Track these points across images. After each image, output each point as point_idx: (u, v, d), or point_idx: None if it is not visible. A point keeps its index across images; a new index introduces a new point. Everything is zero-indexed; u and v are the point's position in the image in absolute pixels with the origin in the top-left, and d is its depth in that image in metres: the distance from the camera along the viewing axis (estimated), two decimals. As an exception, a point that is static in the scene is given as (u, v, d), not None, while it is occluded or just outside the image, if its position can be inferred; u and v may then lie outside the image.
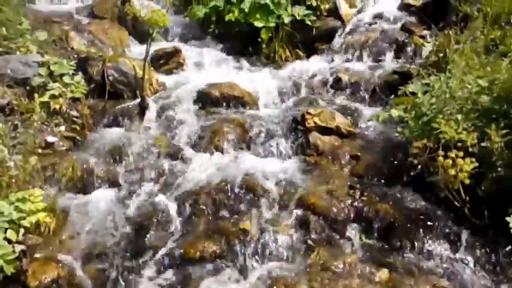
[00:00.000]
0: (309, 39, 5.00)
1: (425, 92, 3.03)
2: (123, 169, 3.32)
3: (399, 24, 4.80)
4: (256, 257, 2.63)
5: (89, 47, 4.38)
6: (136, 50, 4.71)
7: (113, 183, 3.20)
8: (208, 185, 3.04)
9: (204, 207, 2.91)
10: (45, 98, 3.63)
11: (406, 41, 4.53)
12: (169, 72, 4.52)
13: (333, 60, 4.80)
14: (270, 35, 4.84)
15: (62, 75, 3.83)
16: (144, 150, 3.43)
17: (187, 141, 3.56)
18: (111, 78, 4.01)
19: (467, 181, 2.32)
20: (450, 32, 3.74)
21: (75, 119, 3.72)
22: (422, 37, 4.37)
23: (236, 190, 3.00)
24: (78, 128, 3.70)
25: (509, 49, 3.23)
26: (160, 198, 3.00)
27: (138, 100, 3.87)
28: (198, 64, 4.71)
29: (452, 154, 2.33)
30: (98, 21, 5.01)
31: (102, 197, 3.06)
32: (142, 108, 3.81)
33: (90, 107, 3.87)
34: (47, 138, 3.46)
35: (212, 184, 3.05)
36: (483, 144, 2.56)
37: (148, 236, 2.78)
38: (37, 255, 2.60)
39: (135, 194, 3.11)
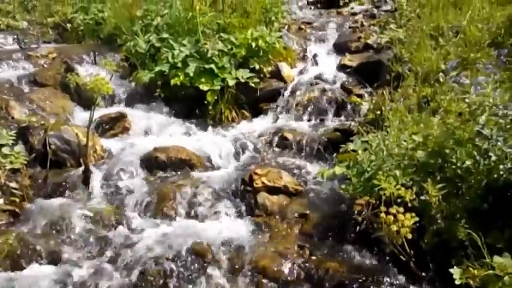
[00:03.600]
0: (254, 100, 5.14)
1: (365, 149, 3.15)
2: (64, 242, 3.18)
3: (338, 84, 5.04)
4: (207, 326, 2.55)
5: (30, 116, 4.28)
6: (81, 117, 4.66)
7: (53, 258, 3.05)
8: (155, 255, 2.95)
9: (152, 278, 2.81)
10: (-18, 171, 3.50)
11: (346, 100, 4.74)
12: (115, 137, 4.48)
13: (278, 119, 4.94)
14: (216, 97, 4.93)
15: (0, 146, 3.71)
16: (88, 220, 3.32)
17: (133, 209, 3.49)
18: (53, 146, 3.92)
19: (409, 236, 2.38)
20: (384, 92, 3.96)
21: (14, 190, 3.58)
22: (360, 96, 4.60)
23: (185, 258, 2.93)
24: (17, 200, 3.54)
25: (440, 105, 3.45)
26: (105, 271, 2.88)
27: (82, 168, 3.79)
28: (145, 128, 4.70)
29: (394, 210, 2.40)
30: (40, 89, 4.93)
31: (40, 273, 2.89)
32: (87, 177, 3.73)
33: (31, 178, 3.74)
34: (-17, 214, 3.30)
35: (160, 253, 2.96)
36: (422, 197, 2.67)
37: (92, 313, 2.65)
38: None
39: (77, 268, 2.96)
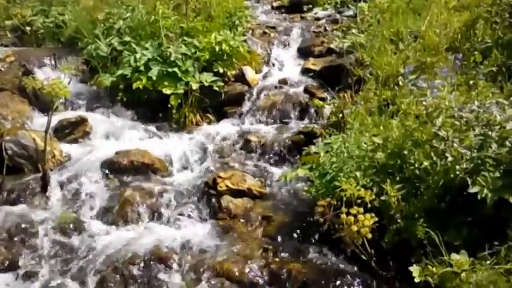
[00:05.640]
0: (219, 104, 5.12)
1: (326, 152, 3.18)
2: (22, 250, 3.08)
3: (302, 88, 5.08)
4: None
5: (-15, 121, 4.14)
6: (39, 122, 4.50)
7: (10, 266, 2.95)
8: (116, 260, 2.90)
9: (112, 284, 2.76)
10: None
11: (309, 103, 4.78)
12: (75, 142, 4.35)
13: (242, 123, 4.93)
14: (180, 101, 4.88)
15: (-47, 151, 3.57)
16: (46, 227, 3.22)
17: (94, 215, 3.42)
18: (9, 152, 3.79)
19: (369, 235, 2.41)
20: (346, 95, 4.02)
21: (-32, 197, 3.45)
22: (323, 99, 4.65)
23: (146, 263, 2.89)
24: (-29, 208, 3.42)
25: (399, 108, 3.52)
26: (64, 277, 2.81)
27: (40, 174, 3.68)
28: (106, 133, 4.59)
29: (354, 211, 2.44)
30: (-3, 93, 4.78)
31: (-2, 281, 2.80)
32: (45, 182, 3.62)
33: (-15, 184, 3.61)
34: None
35: (121, 258, 2.91)
36: (382, 198, 2.72)
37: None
38: None
39: (37, 274, 2.88)
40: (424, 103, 2.91)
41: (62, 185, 3.66)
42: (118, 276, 2.80)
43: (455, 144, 2.64)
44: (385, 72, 4.23)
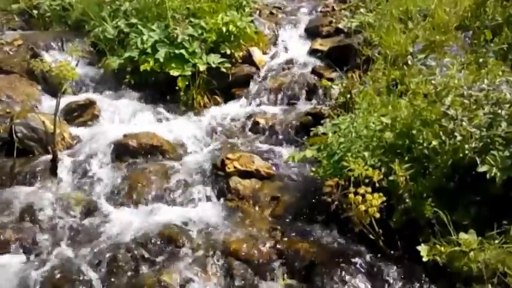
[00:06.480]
0: (226, 86, 5.10)
1: (334, 132, 3.17)
2: (35, 230, 3.12)
3: (310, 68, 5.04)
4: (179, 310, 2.55)
5: (-6, 104, 4.18)
6: (48, 105, 4.55)
7: (22, 247, 2.99)
8: (126, 241, 2.94)
9: (123, 264, 2.80)
10: None
11: (317, 84, 4.76)
12: (84, 125, 4.40)
13: (250, 104, 4.91)
14: (187, 83, 4.87)
15: (-36, 135, 3.61)
16: (57, 208, 3.26)
17: (103, 196, 3.45)
18: (19, 135, 3.82)
19: (377, 215, 2.42)
20: (354, 75, 3.99)
21: (-20, 180, 3.49)
22: (331, 80, 4.61)
23: (156, 243, 2.92)
24: (-17, 190, 3.47)
25: (408, 88, 3.49)
26: (76, 258, 2.85)
27: (50, 156, 3.71)
28: (115, 115, 4.61)
29: (362, 190, 2.44)
30: (6, 76, 4.79)
31: (10, 261, 2.85)
32: (55, 165, 3.65)
33: (-3, 167, 3.66)
34: None
35: (131, 239, 2.95)
36: (390, 178, 2.71)
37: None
38: None
39: (49, 256, 2.92)
40: (433, 82, 2.89)
41: (71, 167, 3.70)
42: (129, 256, 2.84)
43: (464, 123, 2.62)
44: (393, 51, 4.19)
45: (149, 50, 4.90)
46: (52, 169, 3.66)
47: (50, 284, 2.70)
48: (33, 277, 2.73)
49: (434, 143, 2.67)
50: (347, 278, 2.64)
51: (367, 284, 2.63)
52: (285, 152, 4.03)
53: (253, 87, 5.07)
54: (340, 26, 5.54)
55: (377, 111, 3.17)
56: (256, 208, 3.34)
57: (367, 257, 2.73)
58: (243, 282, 2.73)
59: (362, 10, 5.39)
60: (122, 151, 3.90)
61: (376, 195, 2.42)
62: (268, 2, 6.98)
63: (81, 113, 4.45)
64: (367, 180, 2.51)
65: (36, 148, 3.88)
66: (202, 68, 4.85)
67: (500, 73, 2.89)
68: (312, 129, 3.55)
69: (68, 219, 3.22)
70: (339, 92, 4.17)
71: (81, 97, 4.67)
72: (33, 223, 3.18)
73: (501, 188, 2.44)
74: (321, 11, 6.39)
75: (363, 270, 2.67)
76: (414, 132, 2.80)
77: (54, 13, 6.08)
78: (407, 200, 2.70)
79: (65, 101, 4.27)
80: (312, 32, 5.83)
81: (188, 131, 4.34)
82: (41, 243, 3.05)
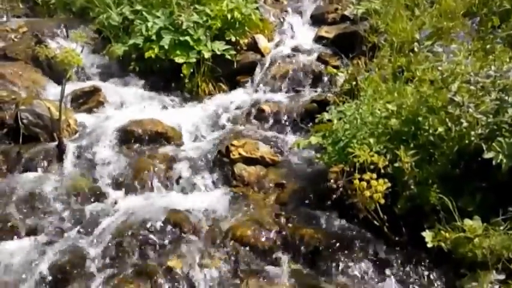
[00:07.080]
0: (231, 73, 5.08)
1: (339, 119, 3.16)
2: (41, 216, 3.15)
3: (315, 56, 5.01)
4: (185, 294, 2.57)
5: (1, 91, 4.17)
6: (53, 91, 4.55)
7: (29, 232, 3.02)
8: (132, 225, 2.96)
9: (129, 249, 2.82)
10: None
11: (322, 71, 4.73)
12: (89, 111, 4.40)
13: (255, 92, 4.90)
14: (192, 70, 4.87)
15: (-30, 121, 3.63)
16: (63, 194, 3.29)
17: (109, 182, 3.47)
18: (25, 121, 3.84)
19: (382, 201, 2.42)
20: (360, 62, 3.96)
21: (-14, 166, 3.52)
22: (336, 67, 4.58)
23: (162, 228, 2.94)
24: (-11, 176, 3.49)
25: (414, 75, 3.47)
26: (82, 242, 2.88)
27: (56, 142, 3.72)
28: (120, 102, 4.62)
29: (367, 176, 2.44)
30: (10, 63, 4.79)
31: (18, 247, 2.87)
32: (61, 151, 3.67)
33: (3, 153, 3.68)
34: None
35: (137, 224, 2.97)
36: (396, 164, 2.71)
37: (70, 283, 2.65)
38: None
39: (55, 241, 2.95)
40: (439, 68, 2.87)
41: (77, 154, 3.71)
42: (135, 241, 2.86)
43: (470, 110, 2.61)
44: (400, 38, 4.15)
45: (154, 37, 4.89)
46: (58, 155, 3.68)
47: (57, 269, 2.73)
48: (39, 262, 2.76)
49: (440, 129, 2.66)
50: (351, 263, 2.65)
51: (372, 269, 2.64)
52: (290, 139, 4.03)
53: (258, 74, 5.05)
54: (346, 13, 5.49)
55: (383, 98, 3.15)
56: (261, 194, 3.35)
57: (372, 243, 2.74)
58: (248, 267, 2.74)
59: (368, -3, 5.35)
60: (127, 138, 3.91)
61: (381, 181, 2.42)
62: (274, -12, 6.93)
63: (86, 100, 4.46)
64: (372, 167, 2.51)
65: (41, 134, 3.89)
66: (207, 55, 4.84)
67: (508, 60, 2.86)
68: (317, 116, 3.54)
69: (73, 205, 3.25)
70: (344, 79, 4.15)
71: (87, 84, 4.68)
72: (39, 209, 3.20)
73: (507, 174, 2.43)
74: (326, -2, 6.33)
75: (367, 256, 2.68)
76: (420, 118, 2.79)
77: (58, 0, 6.07)
78: (412, 187, 2.70)
79: (70, 88, 4.27)
80: (317, 19, 5.79)
81: (193, 118, 4.35)
82: (47, 229, 3.08)
